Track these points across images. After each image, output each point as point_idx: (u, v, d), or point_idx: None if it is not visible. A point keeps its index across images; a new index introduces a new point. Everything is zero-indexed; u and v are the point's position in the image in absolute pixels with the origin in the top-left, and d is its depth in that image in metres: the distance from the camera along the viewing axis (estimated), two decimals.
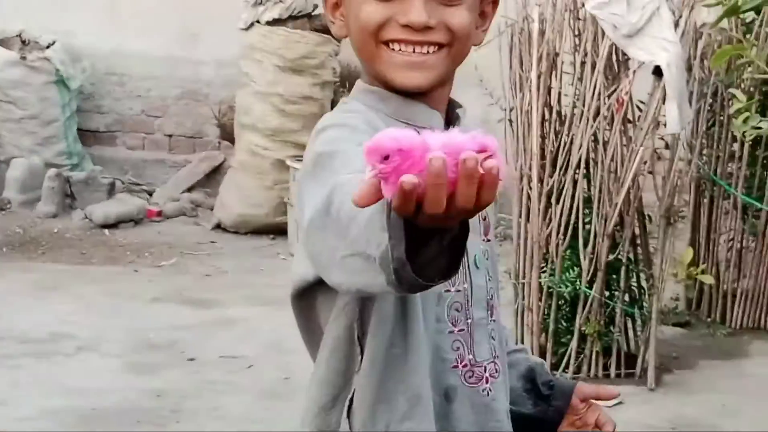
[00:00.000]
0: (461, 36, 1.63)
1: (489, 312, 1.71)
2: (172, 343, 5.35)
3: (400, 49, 1.61)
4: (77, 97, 8.34)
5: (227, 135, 8.00)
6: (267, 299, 6.08)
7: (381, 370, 1.63)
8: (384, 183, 1.12)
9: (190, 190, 8.10)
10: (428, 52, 1.62)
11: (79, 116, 8.40)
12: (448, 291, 1.65)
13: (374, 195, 1.13)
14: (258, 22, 7.40)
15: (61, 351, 5.20)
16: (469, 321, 1.68)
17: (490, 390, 1.69)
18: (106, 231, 7.36)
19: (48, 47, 8.21)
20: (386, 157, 1.11)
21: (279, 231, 7.32)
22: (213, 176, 8.17)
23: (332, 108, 7.36)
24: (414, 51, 1.61)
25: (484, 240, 1.72)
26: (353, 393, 1.65)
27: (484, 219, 1.72)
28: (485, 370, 1.69)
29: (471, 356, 1.68)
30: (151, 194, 8.09)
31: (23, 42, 8.27)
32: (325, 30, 7.47)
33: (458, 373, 1.66)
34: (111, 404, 4.60)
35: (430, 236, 1.19)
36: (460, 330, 1.67)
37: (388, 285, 1.22)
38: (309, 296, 1.69)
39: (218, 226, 7.52)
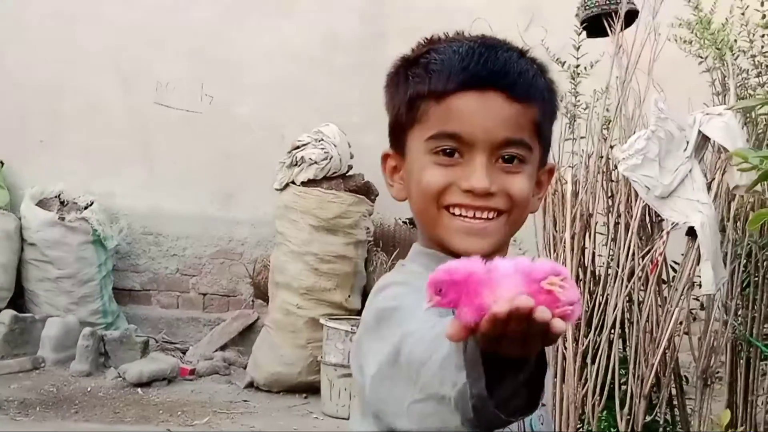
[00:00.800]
0: (520, 203, 1.67)
1: None
2: None
3: (461, 214, 1.65)
4: (113, 257, 8.44)
5: (261, 293, 8.05)
6: None
7: None
8: (462, 315, 1.13)
9: (223, 348, 8.12)
10: (488, 218, 1.65)
11: (114, 275, 8.49)
12: None
13: (464, 331, 1.15)
14: (293, 182, 7.52)
15: None
16: None
17: None
18: (140, 389, 7.36)
19: (86, 208, 8.35)
20: (441, 290, 1.14)
21: (312, 390, 7.31)
22: (246, 334, 8.20)
23: (366, 267, 7.38)
24: (474, 216, 1.65)
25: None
26: None
27: None
28: None
29: None
30: (184, 352, 8.12)
31: (62, 203, 8.42)
32: (359, 190, 7.59)
33: None
34: None
35: (507, 372, 1.20)
36: None
37: (464, 425, 1.23)
38: None
39: (251, 385, 7.51)
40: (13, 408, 6.87)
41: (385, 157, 1.78)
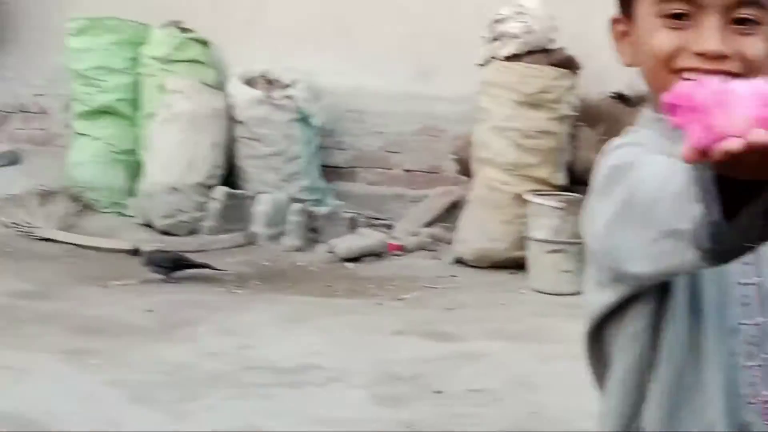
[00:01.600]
0: (756, 67, 1.61)
1: None
2: (417, 376, 5.43)
3: (692, 79, 1.62)
4: (319, 134, 8.59)
5: (464, 170, 8.08)
6: (510, 333, 6.11)
7: (673, 402, 1.63)
8: (695, 136, 1.12)
9: (429, 224, 8.21)
10: None
11: (321, 152, 8.65)
12: (743, 324, 1.65)
13: (696, 153, 1.14)
14: (495, 57, 7.47)
15: (311, 381, 5.35)
16: (765, 356, 1.66)
17: None
18: (349, 264, 7.54)
19: (291, 86, 8.50)
20: (677, 109, 1.12)
21: (518, 265, 7.34)
22: (451, 211, 8.25)
23: (571, 143, 7.33)
24: None
25: None
26: (644, 424, 1.66)
27: None
28: None
29: (767, 393, 1.66)
30: (390, 228, 8.25)
31: (268, 81, 8.58)
32: (562, 64, 7.49)
33: (755, 409, 1.65)
34: None
35: (744, 198, 1.19)
36: (756, 365, 1.65)
37: (701, 260, 1.23)
38: (599, 326, 1.71)
39: (458, 261, 7.59)
40: (230, 281, 7.15)
41: (613, 22, 1.75)
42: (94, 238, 8.04)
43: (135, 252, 7.14)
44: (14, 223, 8.16)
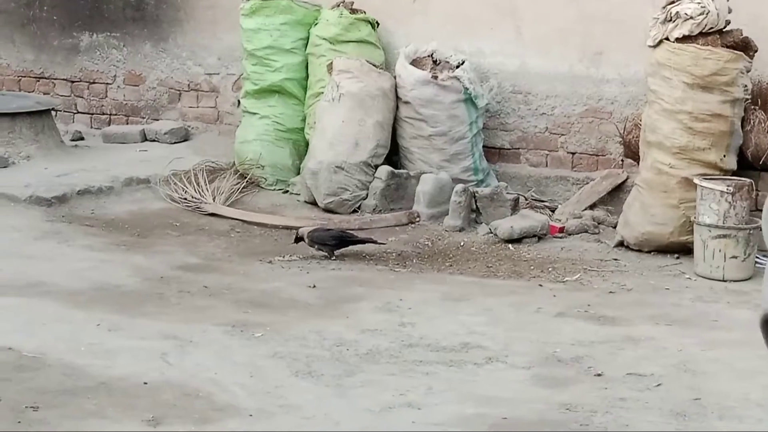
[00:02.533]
0: None
1: None
2: (578, 358, 5.40)
3: None
4: (483, 115, 8.58)
5: (631, 153, 7.95)
6: (673, 318, 6.03)
7: None
8: None
9: (592, 207, 8.12)
10: None
11: (484, 133, 8.64)
12: None
13: None
14: (667, 38, 7.33)
15: (471, 360, 5.36)
16: None
17: None
18: (510, 245, 7.51)
19: (457, 67, 8.51)
20: None
21: (684, 250, 7.21)
22: (615, 194, 8.15)
23: (743, 126, 7.18)
24: None
25: None
26: None
27: None
28: None
29: None
30: (553, 210, 8.18)
31: (435, 62, 8.60)
32: (737, 46, 7.31)
33: None
34: (521, 414, 4.71)
35: None
36: None
37: None
38: None
39: (621, 244, 7.50)
40: (391, 259, 7.20)
41: None
42: (260, 214, 8.20)
43: (298, 238, 7.23)
44: (183, 198, 8.38)
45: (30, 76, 10.63)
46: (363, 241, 7.24)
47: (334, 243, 7.15)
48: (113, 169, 8.71)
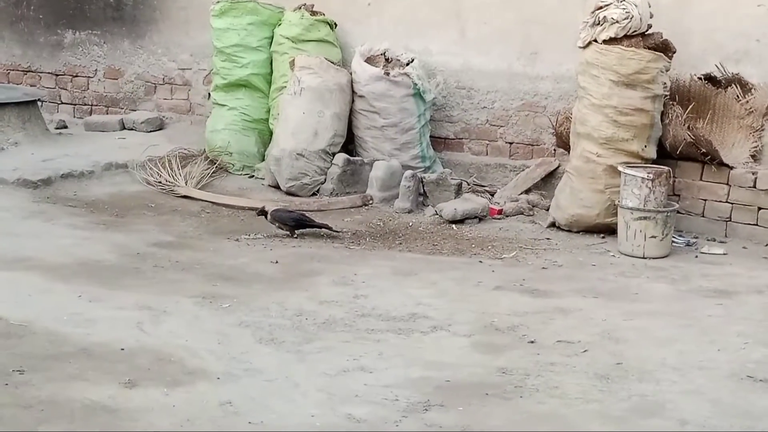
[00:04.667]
0: None
1: None
2: (513, 327, 5.41)
3: None
4: (430, 108, 8.58)
5: (562, 143, 7.99)
6: (599, 292, 6.06)
7: None
8: None
9: (527, 191, 8.16)
10: None
11: (431, 125, 8.65)
12: None
13: None
14: (595, 41, 7.36)
15: (418, 329, 5.36)
16: None
17: None
18: (454, 226, 7.53)
19: (408, 64, 8.50)
20: None
21: (609, 230, 7.29)
22: (548, 180, 8.20)
23: (662, 120, 7.22)
24: None
25: None
26: None
27: None
28: None
29: None
30: (492, 194, 8.22)
31: (387, 60, 8.59)
32: (658, 48, 7.35)
33: None
34: (462, 377, 4.71)
35: None
36: None
37: None
38: None
39: (553, 225, 7.55)
40: (347, 238, 7.20)
41: None
42: (228, 196, 8.16)
43: (262, 212, 7.22)
44: (158, 181, 8.32)
45: (18, 70, 10.52)
46: (320, 226, 7.22)
47: (293, 224, 7.13)
48: (94, 155, 8.65)
